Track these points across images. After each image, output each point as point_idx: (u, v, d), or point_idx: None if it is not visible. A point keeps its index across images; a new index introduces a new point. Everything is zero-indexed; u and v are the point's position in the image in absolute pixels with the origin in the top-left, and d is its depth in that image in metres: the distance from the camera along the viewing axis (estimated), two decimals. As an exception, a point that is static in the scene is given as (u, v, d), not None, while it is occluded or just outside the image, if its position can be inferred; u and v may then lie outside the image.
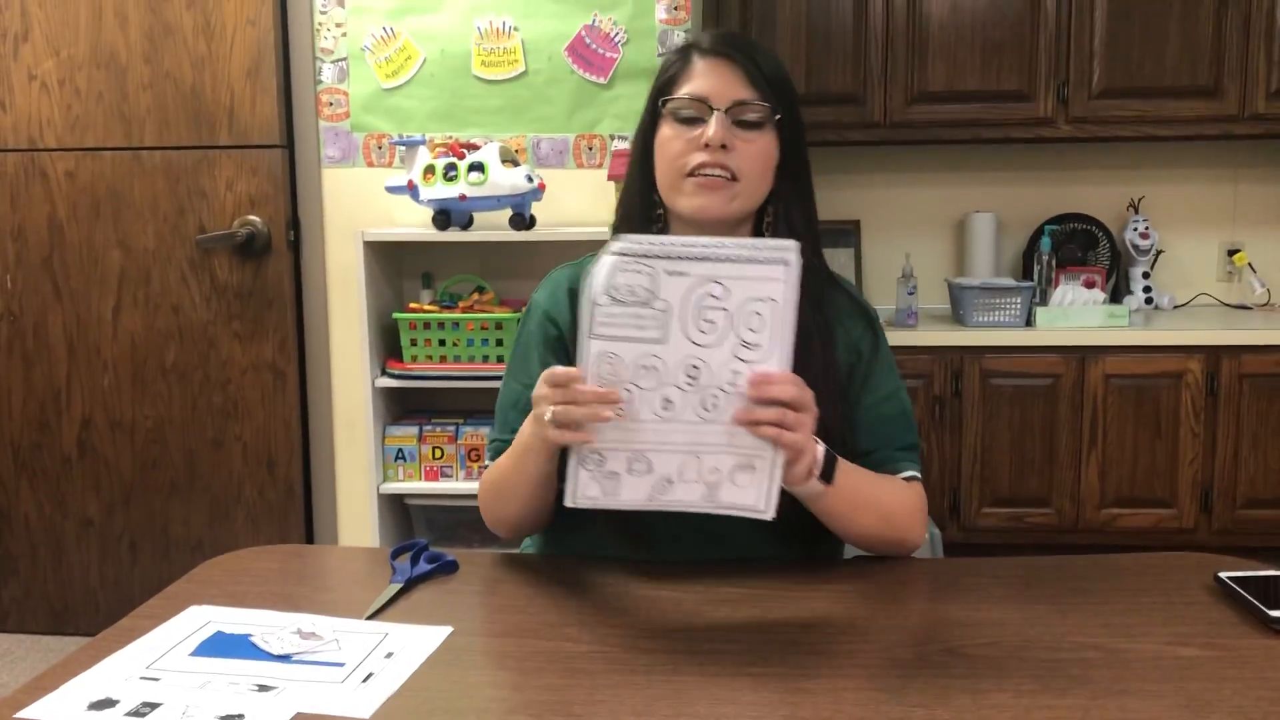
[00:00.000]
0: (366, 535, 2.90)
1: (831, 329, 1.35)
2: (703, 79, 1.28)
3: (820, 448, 1.17)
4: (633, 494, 1.10)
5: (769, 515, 1.10)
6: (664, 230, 1.34)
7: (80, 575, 3.05)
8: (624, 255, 1.04)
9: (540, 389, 1.11)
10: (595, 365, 1.06)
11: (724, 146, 1.25)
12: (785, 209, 1.33)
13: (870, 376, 1.37)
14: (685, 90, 1.28)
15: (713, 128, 1.25)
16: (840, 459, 1.22)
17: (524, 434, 1.22)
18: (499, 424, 1.39)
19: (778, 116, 1.29)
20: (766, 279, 1.04)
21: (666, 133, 1.29)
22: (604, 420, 1.06)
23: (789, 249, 1.04)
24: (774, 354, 1.06)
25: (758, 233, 1.36)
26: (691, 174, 1.27)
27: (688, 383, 1.06)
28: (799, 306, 1.07)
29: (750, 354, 1.06)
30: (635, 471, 1.09)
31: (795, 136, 1.32)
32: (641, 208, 1.34)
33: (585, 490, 1.10)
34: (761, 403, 1.07)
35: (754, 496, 1.10)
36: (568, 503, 1.11)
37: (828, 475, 1.19)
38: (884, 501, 1.29)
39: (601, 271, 1.04)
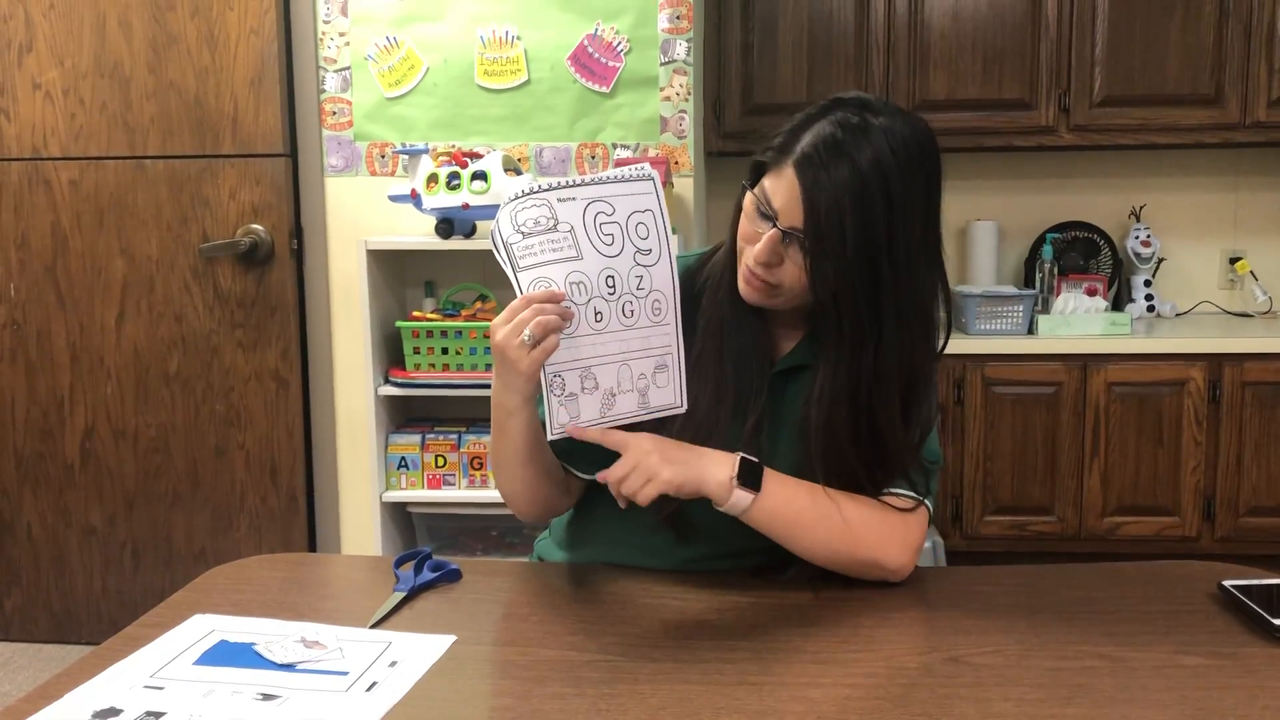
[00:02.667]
0: (369, 544, 2.89)
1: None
2: (780, 188, 1.21)
3: (737, 459, 1.20)
4: (589, 411, 1.19)
5: (683, 407, 1.22)
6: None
7: (83, 584, 3.05)
8: (517, 198, 1.15)
9: (500, 331, 1.15)
10: (529, 293, 1.15)
11: (767, 264, 1.23)
12: (839, 323, 1.23)
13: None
14: (766, 187, 1.23)
15: (761, 245, 1.22)
16: (781, 476, 1.22)
17: (495, 403, 1.25)
18: None
19: (810, 256, 1.21)
20: (640, 194, 1.18)
21: (747, 207, 1.26)
22: (569, 316, 1.15)
23: (645, 167, 1.18)
24: (663, 257, 1.19)
25: (819, 314, 1.28)
26: (746, 263, 1.26)
27: (609, 293, 1.17)
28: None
29: (646, 259, 1.18)
30: (586, 389, 1.18)
31: (847, 280, 1.20)
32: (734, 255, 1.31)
33: (558, 419, 1.17)
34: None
35: (672, 394, 1.22)
36: (549, 437, 1.18)
37: (754, 476, 1.20)
38: (840, 516, 1.23)
39: (504, 217, 1.15)
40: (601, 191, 1.16)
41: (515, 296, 1.15)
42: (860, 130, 1.23)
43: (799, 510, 1.23)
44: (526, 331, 1.12)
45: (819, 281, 1.20)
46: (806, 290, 1.23)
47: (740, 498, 1.19)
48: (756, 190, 1.25)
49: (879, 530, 1.25)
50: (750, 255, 1.24)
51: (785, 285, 1.24)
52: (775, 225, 1.22)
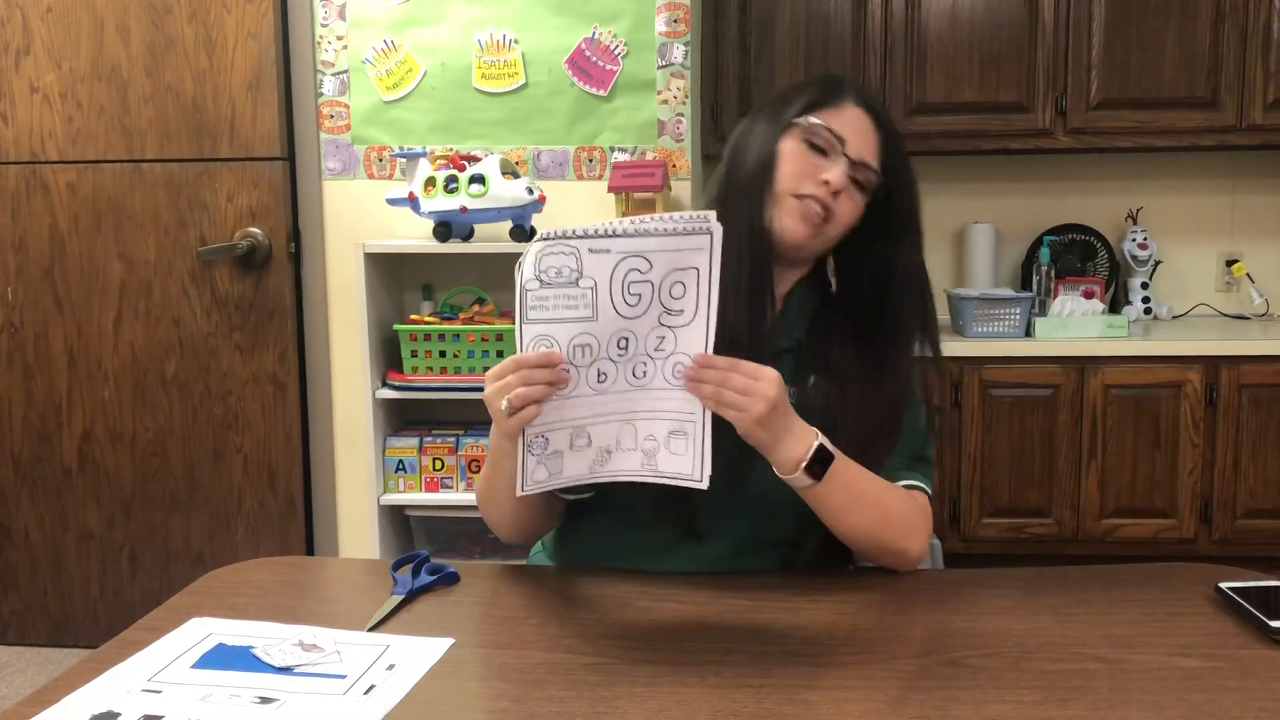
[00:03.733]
0: (367, 547, 2.89)
1: (901, 390, 1.38)
2: (849, 122, 1.32)
3: (816, 441, 1.19)
4: (575, 469, 1.14)
5: (704, 484, 1.12)
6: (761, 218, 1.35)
7: (80, 587, 3.05)
8: (548, 239, 1.07)
9: (489, 387, 1.13)
10: (532, 349, 1.10)
11: (837, 192, 1.30)
12: (846, 271, 1.38)
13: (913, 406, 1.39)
14: (832, 123, 1.31)
15: (837, 170, 1.29)
16: (841, 454, 1.23)
17: (492, 439, 1.25)
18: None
19: (881, 195, 1.33)
20: (691, 249, 1.07)
21: (793, 147, 1.32)
22: (555, 387, 1.09)
23: (709, 218, 1.07)
24: (698, 319, 1.10)
25: (819, 273, 1.40)
26: (798, 196, 1.30)
27: (618, 354, 1.11)
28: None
29: (674, 320, 1.10)
30: (577, 447, 1.13)
31: (894, 216, 1.35)
32: (750, 199, 1.33)
33: (533, 476, 1.13)
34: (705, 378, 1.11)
35: (689, 464, 1.12)
36: (518, 492, 1.14)
37: (823, 465, 1.20)
38: (884, 504, 1.28)
39: (529, 258, 1.08)
40: (643, 245, 1.06)
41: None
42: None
43: (852, 495, 1.25)
44: (505, 400, 1.10)
45: (873, 221, 1.32)
46: (849, 226, 1.32)
47: (798, 479, 1.19)
48: (818, 123, 1.30)
49: (909, 520, 1.30)
50: (811, 185, 1.29)
51: (838, 218, 1.31)
52: (844, 156, 1.29)
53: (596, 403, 1.12)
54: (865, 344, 1.36)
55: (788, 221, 1.31)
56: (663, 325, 1.10)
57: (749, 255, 1.30)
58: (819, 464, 1.19)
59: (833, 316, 1.38)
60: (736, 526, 1.32)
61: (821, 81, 1.37)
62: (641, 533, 1.33)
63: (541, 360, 1.09)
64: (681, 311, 1.10)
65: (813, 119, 1.31)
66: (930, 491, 1.36)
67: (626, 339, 1.10)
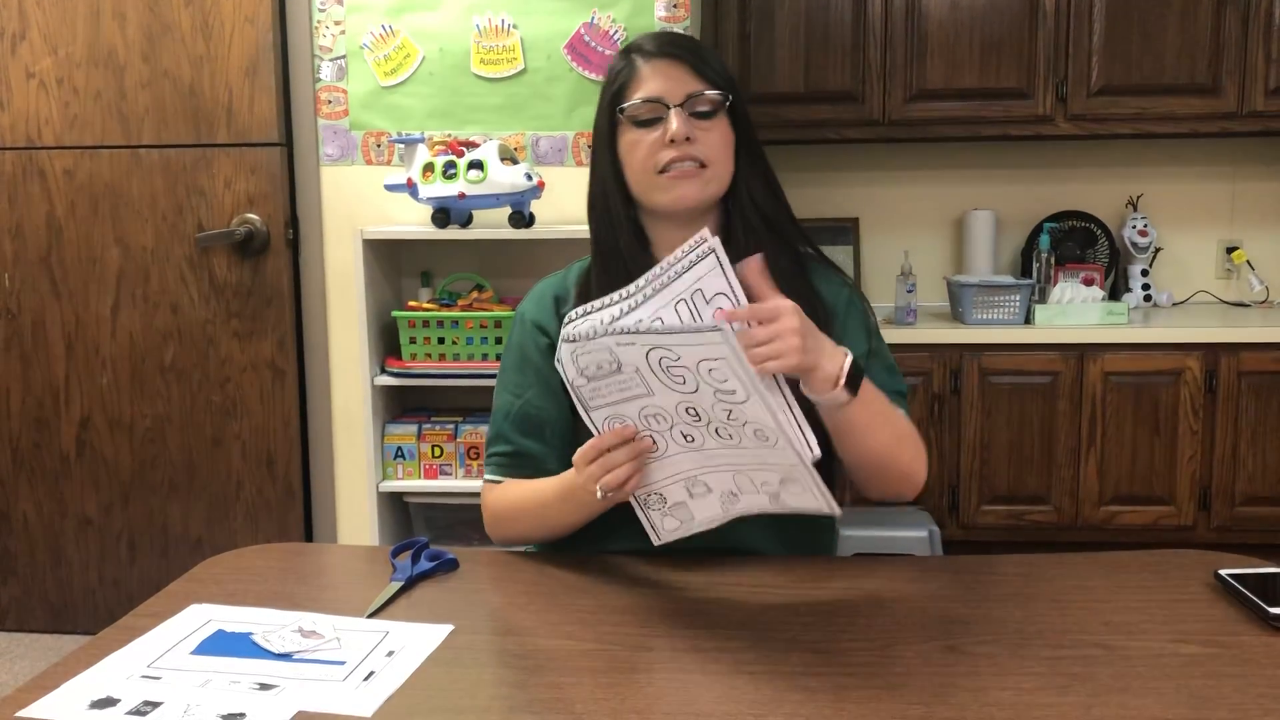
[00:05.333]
0: (366, 533, 2.89)
1: (819, 300, 1.38)
2: (652, 81, 1.34)
3: (848, 358, 1.18)
4: (707, 513, 1.17)
5: (838, 512, 1.15)
6: (639, 230, 1.39)
7: (79, 574, 3.05)
8: (573, 342, 1.09)
9: (581, 464, 1.18)
10: (607, 428, 1.14)
11: (688, 139, 1.31)
12: (746, 189, 1.38)
13: (845, 335, 1.37)
14: (639, 95, 1.34)
15: (674, 123, 1.31)
16: (868, 385, 1.23)
17: (566, 486, 1.26)
18: (494, 437, 1.42)
19: (729, 102, 1.35)
20: (707, 344, 1.04)
21: (629, 138, 1.35)
22: (647, 450, 1.13)
23: (704, 237, 1.10)
24: (752, 397, 1.06)
25: (725, 219, 1.40)
26: (663, 170, 1.33)
27: (693, 420, 1.11)
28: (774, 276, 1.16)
29: (731, 398, 1.07)
30: (697, 495, 1.15)
31: (746, 120, 1.38)
32: (623, 210, 1.38)
33: (666, 527, 1.18)
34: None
35: (814, 502, 1.14)
36: (657, 543, 1.19)
37: (854, 385, 1.19)
38: (897, 422, 1.30)
39: (564, 362, 1.11)
40: (662, 340, 1.05)
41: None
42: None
43: (875, 412, 1.25)
44: (598, 489, 1.15)
45: (740, 122, 1.34)
46: (723, 161, 1.34)
47: (837, 396, 1.17)
48: (632, 103, 1.33)
49: (915, 445, 1.32)
50: (666, 152, 1.31)
51: (709, 157, 1.32)
52: (670, 108, 1.32)
53: (698, 456, 1.13)
54: (792, 271, 1.37)
55: (674, 193, 1.33)
56: (722, 401, 1.08)
57: (633, 260, 1.34)
58: (853, 379, 1.18)
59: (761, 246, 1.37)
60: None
61: (615, 64, 1.38)
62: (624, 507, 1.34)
63: (618, 438, 1.14)
64: (734, 390, 1.07)
65: (626, 104, 1.34)
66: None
67: (693, 409, 1.10)
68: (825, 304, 1.38)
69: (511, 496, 1.37)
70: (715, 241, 1.09)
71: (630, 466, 1.14)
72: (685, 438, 1.12)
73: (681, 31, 1.43)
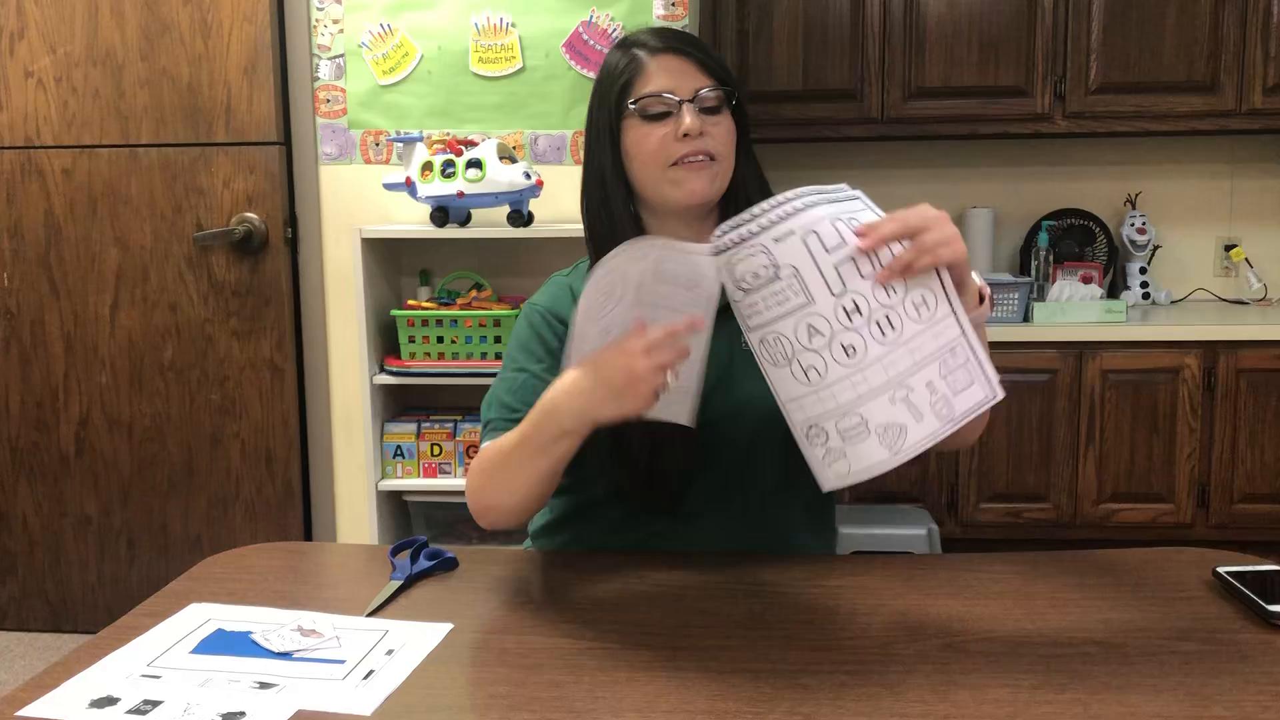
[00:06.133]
0: (365, 532, 2.90)
1: None
2: (661, 76, 1.33)
3: (980, 276, 1.17)
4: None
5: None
6: (638, 223, 1.38)
7: (79, 573, 3.05)
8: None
9: (640, 361, 1.07)
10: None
11: (700, 133, 1.32)
12: (743, 186, 1.38)
13: None
14: (648, 89, 1.33)
15: (687, 118, 1.31)
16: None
17: (569, 420, 1.16)
18: (496, 406, 1.37)
19: (734, 100, 1.36)
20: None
21: (638, 132, 1.34)
22: (685, 352, 1.07)
23: (844, 187, 1.10)
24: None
25: (724, 215, 1.37)
26: (674, 164, 1.33)
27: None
28: None
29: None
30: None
31: (745, 117, 1.39)
32: (624, 204, 1.38)
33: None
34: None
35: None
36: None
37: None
38: None
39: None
40: (817, 215, 1.04)
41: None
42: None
43: (987, 340, 1.20)
44: (671, 377, 1.08)
45: (741, 120, 1.35)
46: (730, 156, 1.34)
47: (982, 312, 1.17)
48: (642, 97, 1.32)
49: None
50: (678, 146, 1.31)
51: (718, 151, 1.33)
52: (681, 103, 1.32)
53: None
54: None
55: (686, 187, 1.33)
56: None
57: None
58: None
59: None
60: (714, 479, 1.33)
61: (616, 60, 1.37)
62: (621, 504, 1.33)
63: (673, 334, 1.07)
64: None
65: (635, 99, 1.33)
66: None
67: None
68: None
69: (495, 453, 1.28)
70: (859, 191, 1.09)
71: (677, 348, 1.07)
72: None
73: (680, 29, 1.41)
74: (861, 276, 1.05)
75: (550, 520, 1.46)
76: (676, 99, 1.32)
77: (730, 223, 1.06)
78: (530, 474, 1.23)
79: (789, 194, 1.06)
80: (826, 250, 1.04)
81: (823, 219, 1.05)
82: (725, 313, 1.30)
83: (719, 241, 1.06)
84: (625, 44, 1.38)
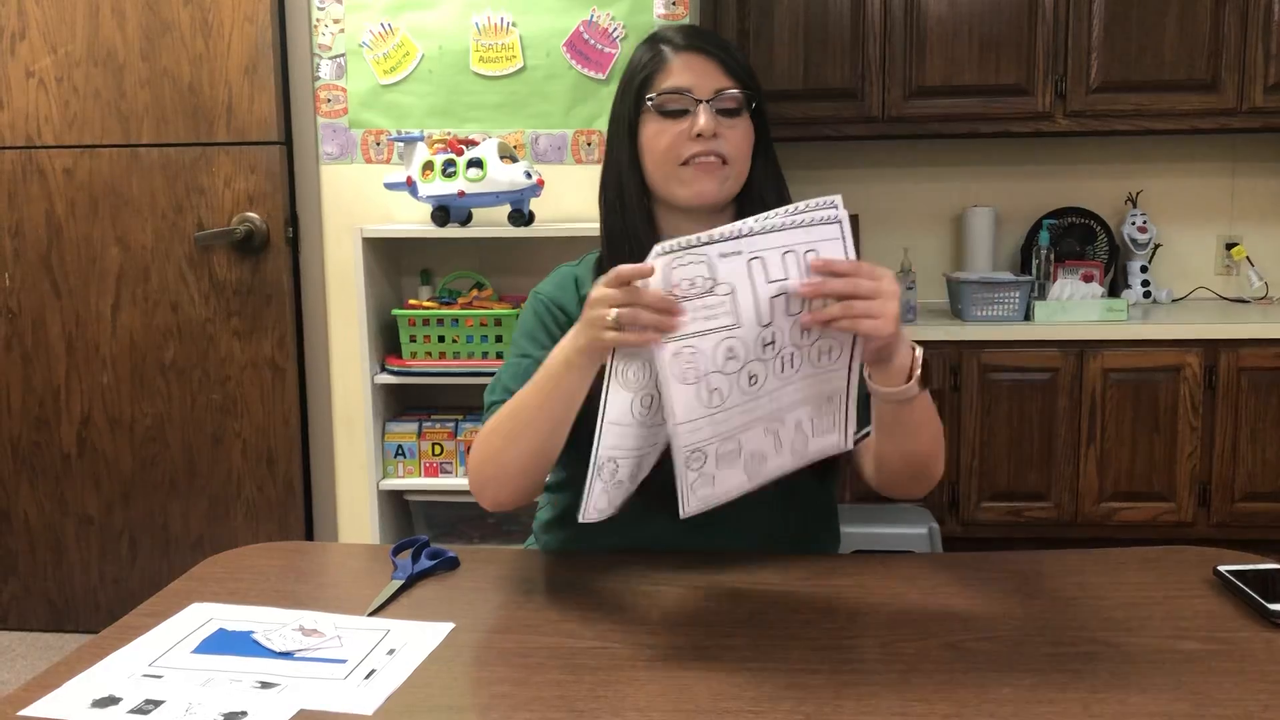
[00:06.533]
0: (366, 532, 2.90)
1: None
2: (682, 73, 1.33)
3: (919, 350, 1.17)
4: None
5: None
6: (651, 220, 1.38)
7: (80, 572, 3.05)
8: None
9: (600, 290, 1.08)
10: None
11: (715, 135, 1.32)
12: (760, 189, 1.38)
13: None
14: (667, 86, 1.33)
15: (702, 118, 1.31)
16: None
17: (563, 349, 1.17)
18: (500, 390, 1.36)
19: (754, 103, 1.36)
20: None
21: (654, 128, 1.34)
22: (670, 329, 1.03)
23: (834, 203, 1.06)
24: None
25: (738, 215, 1.38)
26: (685, 163, 1.33)
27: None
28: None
29: (820, 304, 1.07)
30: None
31: (764, 121, 1.39)
32: (638, 199, 1.37)
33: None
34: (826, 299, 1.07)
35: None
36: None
37: (926, 371, 1.18)
38: (937, 424, 1.28)
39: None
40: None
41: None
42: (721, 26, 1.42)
43: (927, 413, 1.23)
44: (611, 314, 1.05)
45: (760, 122, 1.35)
46: (743, 159, 1.34)
47: (908, 390, 1.16)
48: (660, 93, 1.32)
49: (940, 441, 1.30)
50: (691, 145, 1.31)
51: (730, 154, 1.33)
52: (698, 102, 1.32)
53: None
54: None
55: (695, 187, 1.33)
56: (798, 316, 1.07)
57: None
58: (925, 369, 1.17)
59: None
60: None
61: (641, 54, 1.38)
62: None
63: (662, 303, 1.03)
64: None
65: (654, 94, 1.33)
66: None
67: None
68: None
69: (502, 409, 1.28)
70: (844, 212, 1.06)
71: (659, 320, 1.03)
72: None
73: (701, 26, 1.42)
74: (787, 314, 1.06)
75: (553, 517, 1.46)
76: (694, 97, 1.32)
77: (677, 240, 1.04)
78: (538, 425, 1.21)
79: (762, 216, 1.05)
80: (767, 280, 1.05)
81: (774, 249, 1.04)
82: None
83: (668, 243, 1.04)
84: (653, 39, 1.39)
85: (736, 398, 1.07)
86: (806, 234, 1.05)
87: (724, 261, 1.03)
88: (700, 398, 1.06)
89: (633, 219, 1.36)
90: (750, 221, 1.04)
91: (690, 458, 1.07)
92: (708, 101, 1.32)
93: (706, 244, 1.02)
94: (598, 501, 1.11)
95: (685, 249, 1.03)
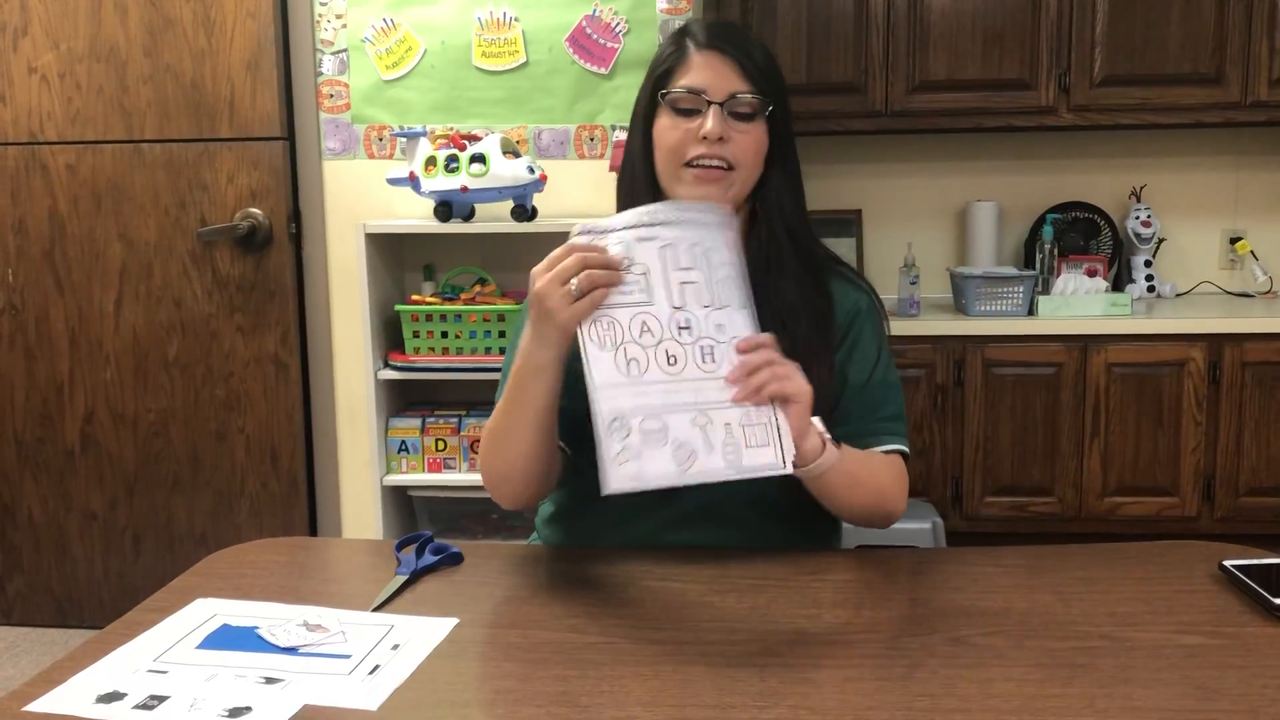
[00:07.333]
0: (370, 527, 2.90)
1: (830, 304, 1.38)
2: (699, 72, 1.32)
3: (824, 435, 1.19)
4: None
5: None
6: None
7: (84, 568, 3.06)
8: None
9: (540, 280, 1.12)
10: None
11: (721, 139, 1.30)
12: (776, 196, 1.37)
13: (859, 341, 1.39)
14: (683, 83, 1.32)
15: (710, 121, 1.30)
16: (841, 444, 1.24)
17: (524, 358, 1.20)
18: (501, 388, 1.35)
19: (769, 109, 1.33)
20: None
21: (665, 123, 1.33)
22: (618, 281, 1.10)
23: (718, 210, 1.17)
24: (744, 306, 1.16)
25: (752, 220, 1.39)
26: (690, 164, 1.32)
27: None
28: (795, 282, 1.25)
29: (724, 310, 1.14)
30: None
31: (784, 127, 1.36)
32: (646, 187, 1.37)
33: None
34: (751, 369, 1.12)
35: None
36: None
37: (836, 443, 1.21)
38: (880, 478, 1.32)
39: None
40: (681, 234, 1.13)
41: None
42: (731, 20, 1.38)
43: (851, 477, 1.26)
44: (573, 281, 1.09)
45: (777, 129, 1.32)
46: (752, 165, 1.32)
47: (822, 463, 1.19)
48: (675, 89, 1.32)
49: (895, 485, 1.33)
50: (697, 147, 1.30)
51: (737, 160, 1.31)
52: (710, 104, 1.30)
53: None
54: (808, 279, 1.38)
55: (696, 191, 1.32)
56: (718, 309, 1.13)
57: None
58: (833, 443, 1.21)
59: (782, 254, 1.39)
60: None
61: (666, 45, 1.37)
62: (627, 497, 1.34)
63: (603, 259, 1.10)
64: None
65: (669, 90, 1.33)
66: (907, 448, 1.38)
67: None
68: (840, 309, 1.39)
69: (492, 415, 1.30)
70: (730, 220, 1.16)
71: (605, 276, 1.09)
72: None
73: (731, 23, 1.39)
74: (701, 305, 1.13)
75: (556, 511, 1.46)
76: (707, 98, 1.30)
77: (594, 221, 1.13)
78: (520, 428, 1.24)
79: (657, 207, 1.15)
80: (677, 267, 1.13)
81: (683, 240, 1.14)
82: None
83: (589, 223, 1.13)
84: (681, 31, 1.38)
85: (656, 374, 1.10)
86: (706, 233, 1.15)
87: (640, 245, 1.12)
88: (618, 365, 1.10)
89: (640, 201, 1.36)
90: (659, 210, 1.14)
91: (612, 425, 1.08)
92: (721, 104, 1.30)
93: (623, 228, 1.12)
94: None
95: (605, 231, 1.12)
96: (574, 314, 1.10)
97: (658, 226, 1.13)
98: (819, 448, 1.18)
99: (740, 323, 1.14)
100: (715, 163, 1.30)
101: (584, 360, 1.10)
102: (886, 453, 1.35)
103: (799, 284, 1.35)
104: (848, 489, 1.27)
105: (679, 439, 1.09)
